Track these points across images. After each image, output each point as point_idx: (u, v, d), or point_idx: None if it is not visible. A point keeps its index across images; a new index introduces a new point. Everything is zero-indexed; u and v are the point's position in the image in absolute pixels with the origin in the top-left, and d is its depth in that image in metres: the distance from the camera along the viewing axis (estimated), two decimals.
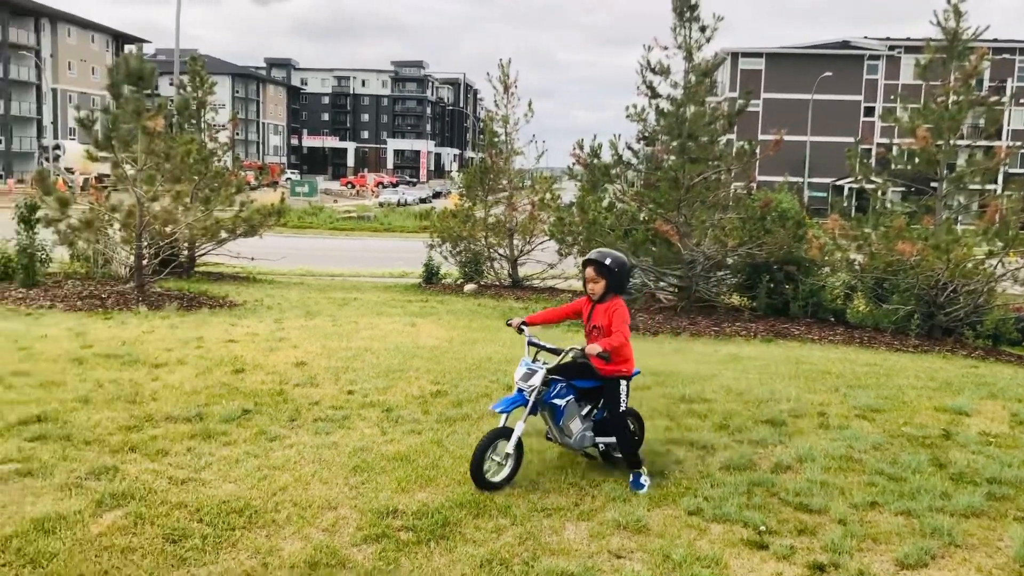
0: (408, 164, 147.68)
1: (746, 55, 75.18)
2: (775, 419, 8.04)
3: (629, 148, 16.71)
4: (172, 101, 20.87)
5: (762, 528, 5.44)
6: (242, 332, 12.24)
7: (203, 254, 21.58)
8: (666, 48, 16.09)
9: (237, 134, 24.02)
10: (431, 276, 22.13)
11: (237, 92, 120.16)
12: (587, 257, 6.22)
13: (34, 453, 6.44)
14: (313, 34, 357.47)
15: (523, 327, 6.23)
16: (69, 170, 59.22)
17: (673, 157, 16.40)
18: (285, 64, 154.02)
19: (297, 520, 5.37)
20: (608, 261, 6.07)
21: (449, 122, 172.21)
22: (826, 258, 15.97)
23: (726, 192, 17.43)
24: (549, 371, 5.98)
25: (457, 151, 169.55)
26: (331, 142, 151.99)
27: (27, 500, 5.57)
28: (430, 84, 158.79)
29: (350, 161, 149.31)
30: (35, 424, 7.10)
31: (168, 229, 16.95)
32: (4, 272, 17.29)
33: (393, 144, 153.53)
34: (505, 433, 5.91)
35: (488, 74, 21.94)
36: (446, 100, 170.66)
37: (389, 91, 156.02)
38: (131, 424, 7.29)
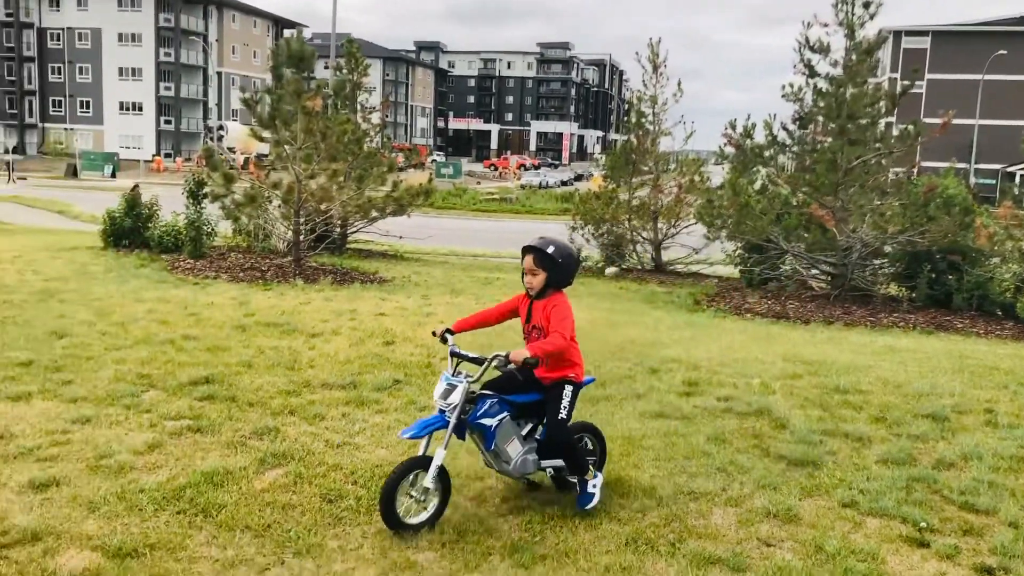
0: (551, 146, 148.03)
1: (910, 33, 71.08)
2: (936, 414, 7.61)
3: (784, 129, 16.15)
4: (328, 83, 21.64)
5: (923, 525, 5.17)
6: (392, 306, 12.62)
7: (354, 231, 22.32)
8: (826, 25, 15.44)
9: (387, 116, 24.69)
10: None
11: (388, 75, 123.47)
12: (527, 244, 5.20)
13: (203, 411, 6.87)
14: (462, 17, 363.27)
15: (447, 335, 5.23)
16: (231, 149, 62.53)
17: (830, 139, 15.73)
18: (434, 47, 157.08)
19: None
20: (551, 250, 5.08)
21: (593, 104, 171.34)
22: (995, 248, 14.97)
23: (886, 176, 16.60)
24: (484, 385, 5.10)
25: (600, 133, 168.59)
26: (476, 124, 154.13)
27: (197, 454, 5.96)
28: (575, 65, 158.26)
29: (493, 143, 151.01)
30: (204, 385, 7.57)
31: (323, 206, 17.65)
32: (174, 243, 18.43)
33: (536, 126, 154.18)
34: (423, 463, 4.89)
35: (637, 53, 21.65)
36: (591, 81, 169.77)
37: (534, 73, 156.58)
38: (290, 389, 7.66)
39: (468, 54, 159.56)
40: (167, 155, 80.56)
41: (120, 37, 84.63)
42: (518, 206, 50.97)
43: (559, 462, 5.32)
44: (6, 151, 70.76)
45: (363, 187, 18.23)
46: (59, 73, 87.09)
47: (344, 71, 22.35)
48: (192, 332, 9.88)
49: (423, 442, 5.00)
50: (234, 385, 7.64)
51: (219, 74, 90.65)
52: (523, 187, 69.51)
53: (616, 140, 31.94)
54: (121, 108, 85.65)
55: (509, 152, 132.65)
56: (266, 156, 20.37)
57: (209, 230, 18.43)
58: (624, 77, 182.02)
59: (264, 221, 18.51)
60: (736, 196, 16.31)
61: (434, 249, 25.36)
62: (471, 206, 50.08)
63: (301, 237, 16.99)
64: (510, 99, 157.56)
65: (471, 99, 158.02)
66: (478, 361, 5.03)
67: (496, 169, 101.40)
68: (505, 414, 5.05)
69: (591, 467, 5.38)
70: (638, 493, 5.52)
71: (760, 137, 16.52)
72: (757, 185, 17.15)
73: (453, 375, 4.97)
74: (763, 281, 17.40)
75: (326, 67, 33.60)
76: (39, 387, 7.30)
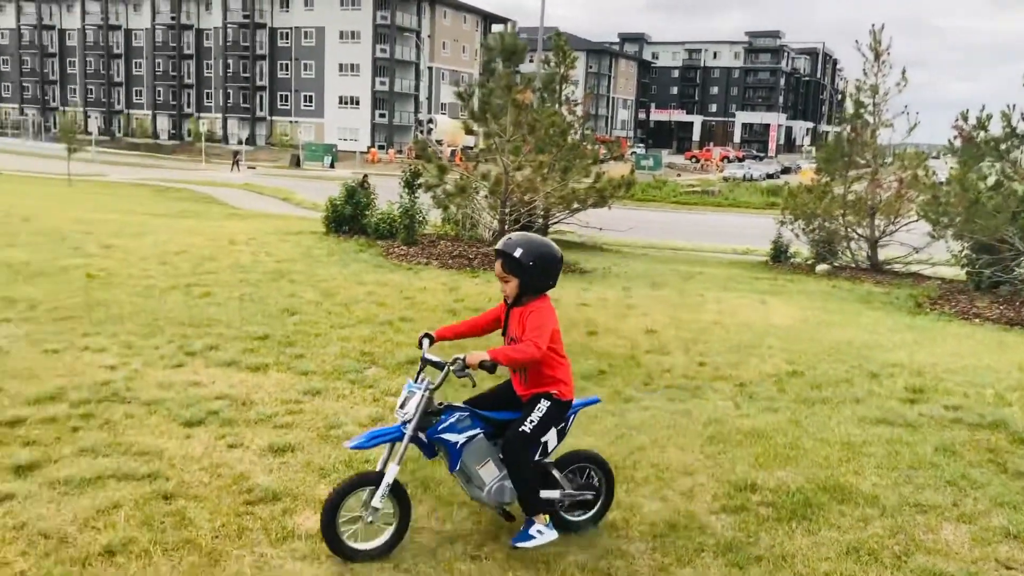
0: (756, 138, 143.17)
1: None
2: None
3: None
4: (537, 76, 21.98)
5: None
6: (593, 297, 12.70)
7: (555, 222, 22.59)
8: None
9: (589, 109, 24.82)
10: (779, 254, 21.37)
11: (591, 67, 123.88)
12: (495, 247, 4.54)
13: None
14: (668, 7, 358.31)
15: (424, 340, 4.53)
16: (439, 142, 65.03)
17: None
18: (638, 39, 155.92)
19: (655, 480, 5.48)
20: (518, 253, 4.36)
21: (803, 94, 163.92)
22: None
23: None
24: (468, 400, 4.61)
25: (810, 124, 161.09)
26: (678, 116, 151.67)
27: None
28: (785, 54, 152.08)
29: (695, 135, 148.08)
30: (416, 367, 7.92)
31: (528, 197, 18.01)
32: (389, 230, 19.37)
33: (742, 117, 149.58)
34: (375, 480, 4.34)
35: (856, 41, 20.49)
36: (801, 71, 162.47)
37: (741, 63, 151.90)
38: (500, 373, 7.86)
39: (672, 45, 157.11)
40: (380, 147, 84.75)
41: (341, 35, 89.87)
42: (721, 199, 49.80)
43: (550, 493, 4.64)
44: (239, 142, 77.14)
45: (567, 179, 18.42)
46: (286, 70, 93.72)
47: (552, 64, 22.62)
48: (407, 314, 10.38)
49: (383, 455, 4.45)
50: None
51: (430, 69, 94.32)
52: (726, 179, 67.88)
53: (827, 132, 30.44)
54: (340, 102, 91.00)
55: (712, 144, 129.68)
56: (471, 148, 20.98)
57: (421, 218, 19.25)
58: (838, 66, 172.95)
59: (471, 211, 19.12)
60: (965, 192, 15.12)
61: (632, 241, 25.28)
62: (671, 198, 49.45)
63: (506, 227, 17.41)
64: (715, 90, 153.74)
65: (674, 90, 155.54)
66: (439, 366, 4.40)
67: (698, 161, 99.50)
68: (478, 431, 4.44)
69: (547, 513, 4.56)
70: (859, 501, 5.26)
71: (996, 129, 15.22)
72: (990, 181, 15.82)
73: (417, 382, 4.39)
74: (993, 284, 16.04)
75: (530, 60, 34.18)
76: (274, 360, 7.92)
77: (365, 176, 22.67)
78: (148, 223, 20.77)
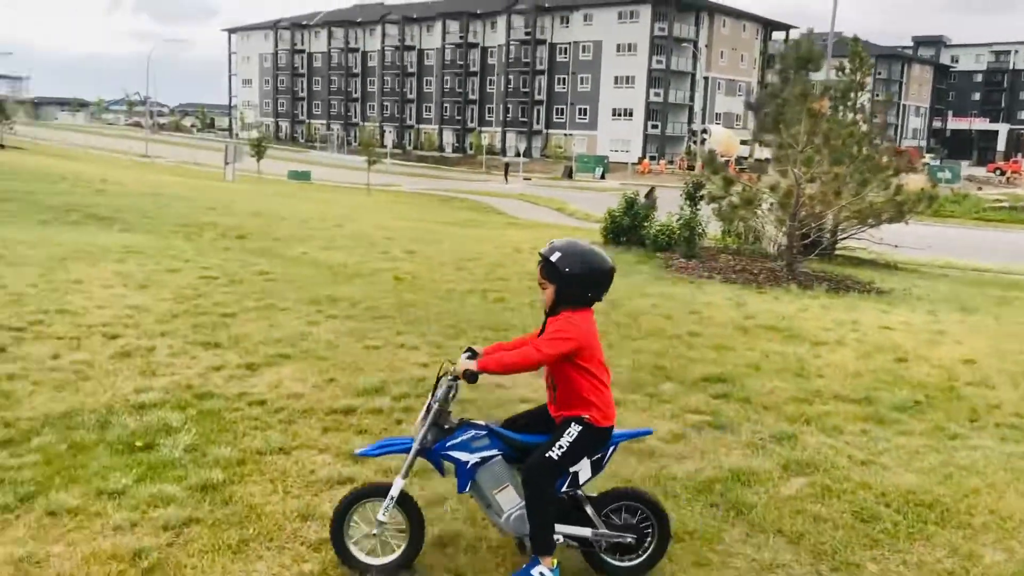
0: None
1: None
2: None
3: None
4: (833, 84, 20.87)
5: None
6: (896, 320, 11.80)
7: (844, 237, 21.31)
8: None
9: (876, 116, 23.06)
10: None
11: (879, 73, 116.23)
12: (540, 251, 4.10)
13: (719, 409, 7.03)
14: (966, 7, 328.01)
15: (465, 355, 4.12)
16: (712, 152, 63.87)
17: None
18: (935, 42, 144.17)
19: (996, 529, 4.94)
20: (555, 258, 3.94)
21: None
22: None
23: None
24: (504, 422, 4.26)
25: None
26: (979, 124, 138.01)
27: (720, 451, 6.09)
28: None
29: (1000, 145, 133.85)
30: (717, 383, 7.74)
31: (818, 210, 17.12)
32: (667, 242, 19.24)
33: None
34: (381, 492, 4.10)
35: None
36: None
37: None
38: (801, 396, 7.51)
39: (976, 47, 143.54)
40: (651, 158, 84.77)
41: (618, 48, 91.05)
42: None
43: (582, 531, 4.17)
44: (517, 154, 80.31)
45: (864, 192, 17.30)
46: (563, 83, 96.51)
47: (848, 71, 21.40)
48: (696, 329, 10.20)
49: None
50: (745, 386, 7.69)
51: (705, 79, 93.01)
52: None
53: None
54: (613, 114, 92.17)
55: (1021, 155, 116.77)
56: (745, 159, 20.32)
57: (700, 231, 18.92)
58: None
59: (756, 223, 18.51)
60: None
61: (930, 260, 23.26)
62: (972, 214, 45.14)
63: (794, 241, 16.67)
64: None
65: (976, 96, 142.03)
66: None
67: (1003, 174, 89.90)
68: (495, 452, 4.05)
69: (554, 553, 4.06)
70: None
71: None
72: None
73: (432, 395, 4.11)
74: None
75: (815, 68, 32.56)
76: None
77: (652, 188, 22.69)
78: (440, 231, 22.13)
